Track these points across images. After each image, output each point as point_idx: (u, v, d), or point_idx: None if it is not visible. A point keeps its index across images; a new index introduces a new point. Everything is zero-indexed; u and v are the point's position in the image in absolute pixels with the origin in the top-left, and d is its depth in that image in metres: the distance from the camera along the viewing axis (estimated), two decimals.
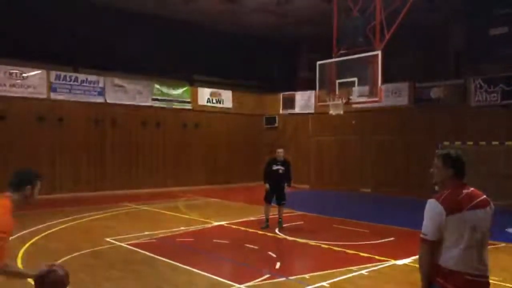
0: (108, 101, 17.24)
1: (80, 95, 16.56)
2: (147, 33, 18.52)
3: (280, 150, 10.87)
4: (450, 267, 2.89)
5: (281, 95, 21.88)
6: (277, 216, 10.64)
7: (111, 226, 10.50)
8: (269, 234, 9.82)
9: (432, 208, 2.95)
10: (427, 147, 15.03)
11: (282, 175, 10.53)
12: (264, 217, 10.64)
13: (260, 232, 9.96)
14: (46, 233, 9.58)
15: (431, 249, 2.94)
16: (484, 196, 3.03)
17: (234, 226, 10.70)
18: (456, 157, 3.09)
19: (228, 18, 19.45)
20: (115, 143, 17.46)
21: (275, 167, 10.56)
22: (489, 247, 3.10)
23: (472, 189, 3.03)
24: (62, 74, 16.23)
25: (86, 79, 16.77)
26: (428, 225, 2.96)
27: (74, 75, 16.55)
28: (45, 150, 15.79)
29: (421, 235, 2.99)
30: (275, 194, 10.64)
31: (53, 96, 15.98)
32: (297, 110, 21.23)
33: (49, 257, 7.44)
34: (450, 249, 2.91)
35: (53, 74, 16.01)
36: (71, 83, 16.39)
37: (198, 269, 6.89)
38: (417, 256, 3.16)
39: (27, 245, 8.40)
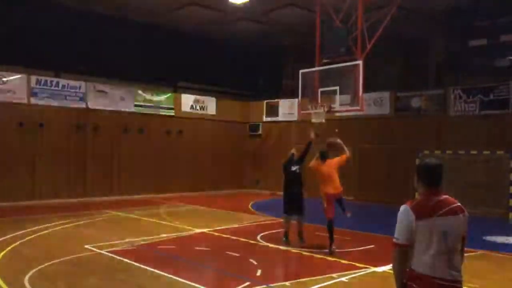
0: (89, 106, 17.08)
1: (61, 100, 16.38)
2: (130, 39, 18.46)
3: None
4: (421, 272, 2.97)
5: (264, 103, 21.97)
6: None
7: (91, 233, 10.38)
8: (251, 241, 9.82)
9: (403, 213, 3.05)
10: (408, 155, 15.24)
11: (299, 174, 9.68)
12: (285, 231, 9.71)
13: (242, 240, 9.95)
14: (24, 240, 9.42)
15: (403, 253, 3.03)
16: (458, 204, 3.10)
17: (216, 234, 10.67)
18: (427, 166, 3.17)
19: (214, 25, 19.51)
20: (97, 149, 17.28)
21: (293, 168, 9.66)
22: (466, 254, 3.17)
23: (445, 196, 3.11)
24: (43, 78, 16.04)
25: (68, 84, 16.59)
26: (399, 230, 3.05)
27: (55, 80, 16.37)
28: (25, 156, 15.55)
29: (394, 239, 3.08)
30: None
31: (33, 101, 15.77)
32: (280, 117, 21.34)
33: (27, 264, 7.32)
34: (421, 254, 2.98)
35: (33, 78, 15.81)
36: (52, 88, 16.20)
37: (179, 277, 6.85)
38: None
39: (4, 252, 8.25)
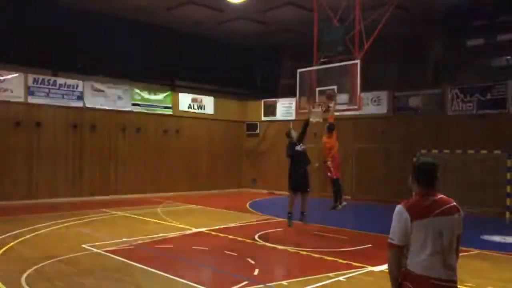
0: (87, 105, 17.05)
1: (58, 99, 16.34)
2: (128, 38, 18.42)
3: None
4: (417, 272, 2.97)
5: (262, 102, 21.97)
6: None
7: (88, 233, 10.36)
8: (248, 240, 9.82)
9: (399, 213, 3.04)
10: (405, 155, 15.27)
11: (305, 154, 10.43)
12: (289, 211, 10.49)
13: (240, 239, 9.95)
14: (21, 239, 9.40)
15: (398, 254, 3.03)
16: (453, 203, 3.11)
17: (214, 233, 10.67)
18: (421, 165, 3.17)
19: (211, 24, 19.50)
20: (94, 148, 17.26)
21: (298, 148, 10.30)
22: (462, 254, 3.17)
23: (441, 196, 3.11)
24: (40, 77, 15.99)
25: (65, 83, 16.55)
26: (394, 230, 3.05)
27: (52, 78, 16.33)
28: (22, 155, 15.52)
29: (389, 240, 3.07)
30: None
31: (30, 100, 15.73)
32: (278, 117, 21.34)
33: (24, 264, 7.31)
34: (417, 254, 2.99)
35: (31, 77, 15.76)
36: (50, 86, 16.15)
37: (176, 276, 6.85)
38: None
39: (0, 251, 8.23)
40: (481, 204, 13.40)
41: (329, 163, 10.82)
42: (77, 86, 16.85)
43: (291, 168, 10.41)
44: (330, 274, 7.12)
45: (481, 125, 14.97)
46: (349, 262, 7.95)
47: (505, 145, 13.99)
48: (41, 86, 15.98)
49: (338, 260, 8.13)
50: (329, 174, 11.06)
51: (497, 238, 10.67)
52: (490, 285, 6.70)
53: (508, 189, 13.77)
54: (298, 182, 10.36)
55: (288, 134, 10.81)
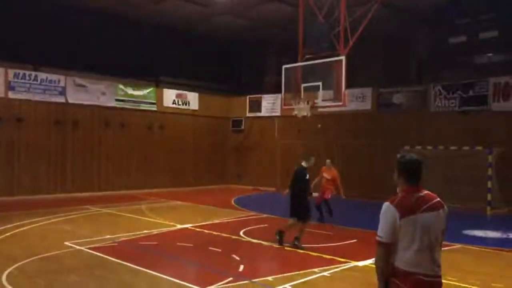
0: (69, 101, 16.80)
1: (40, 94, 16.07)
2: (112, 33, 18.22)
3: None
4: (404, 268, 2.98)
5: (247, 98, 21.93)
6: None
7: (71, 230, 10.22)
8: (233, 237, 9.81)
9: (386, 211, 3.04)
10: (389, 151, 15.37)
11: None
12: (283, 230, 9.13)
13: (224, 235, 9.93)
14: (2, 236, 9.24)
15: (386, 251, 3.02)
16: (438, 199, 3.13)
17: (198, 229, 10.63)
18: (406, 162, 3.18)
19: (197, 20, 19.37)
20: (77, 145, 17.03)
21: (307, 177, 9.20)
22: (445, 248, 3.20)
23: (426, 192, 3.13)
24: (21, 72, 15.71)
25: (46, 78, 16.28)
26: (383, 228, 3.04)
27: (33, 73, 16.05)
28: (3, 151, 15.25)
29: (377, 238, 3.07)
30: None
31: (11, 95, 15.44)
32: (263, 113, 21.34)
33: (5, 262, 7.17)
34: (404, 250, 2.99)
35: (11, 72, 15.47)
36: (31, 82, 15.88)
37: (160, 273, 6.80)
38: None
39: None
40: (463, 200, 13.57)
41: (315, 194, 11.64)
42: (59, 81, 16.58)
43: (302, 195, 9.08)
44: (315, 270, 7.15)
45: (463, 122, 15.17)
46: (334, 257, 7.99)
47: (487, 142, 14.20)
48: (22, 81, 15.69)
49: (323, 255, 8.17)
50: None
51: (478, 233, 10.85)
52: (472, 279, 6.80)
53: (489, 184, 13.99)
54: (309, 211, 9.25)
55: (307, 159, 9.33)
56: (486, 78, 14.97)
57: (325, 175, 12.16)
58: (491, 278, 6.93)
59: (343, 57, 11.90)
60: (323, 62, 12.46)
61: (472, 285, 6.54)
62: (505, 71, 15.01)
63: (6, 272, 6.63)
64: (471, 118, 15.05)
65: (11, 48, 15.80)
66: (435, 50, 18.28)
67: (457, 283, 6.53)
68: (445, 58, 17.73)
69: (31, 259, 7.47)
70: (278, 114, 20.39)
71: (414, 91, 16.70)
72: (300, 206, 9.01)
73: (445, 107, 15.73)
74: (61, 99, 16.61)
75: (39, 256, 7.67)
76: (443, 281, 3.09)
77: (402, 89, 16.99)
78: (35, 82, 15.98)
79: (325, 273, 7.03)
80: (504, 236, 10.88)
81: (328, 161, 12.50)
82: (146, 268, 7.03)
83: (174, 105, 20.21)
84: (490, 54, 17.48)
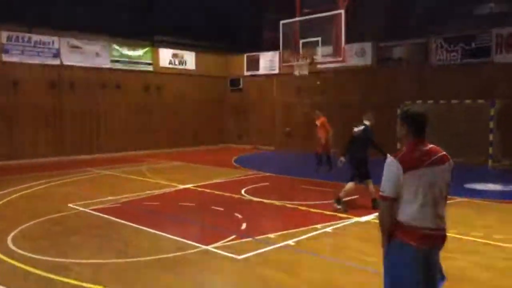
0: (64, 63, 16.51)
1: (34, 56, 15.77)
2: None
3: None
4: (408, 222, 2.96)
5: (245, 56, 21.56)
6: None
7: (74, 192, 10.25)
8: (235, 196, 9.85)
9: (390, 166, 2.98)
10: (390, 106, 15.25)
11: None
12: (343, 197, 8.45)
13: (226, 194, 9.97)
14: (4, 200, 9.27)
15: (390, 206, 2.99)
16: (443, 153, 3.06)
17: (199, 189, 10.66)
18: (412, 114, 3.10)
19: None
20: (74, 107, 16.87)
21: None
22: (447, 202, 3.16)
23: (431, 146, 3.06)
24: (15, 34, 15.36)
25: (40, 40, 15.93)
26: (386, 183, 3.00)
27: (27, 35, 15.69)
28: (0, 115, 15.10)
29: (380, 192, 3.03)
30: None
31: (5, 58, 15.16)
32: (261, 71, 21.03)
33: (9, 225, 7.21)
34: (408, 205, 2.96)
35: (4, 34, 15.12)
36: (24, 44, 15.54)
37: (163, 232, 6.85)
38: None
39: None
40: (465, 153, 13.55)
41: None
42: (53, 42, 16.23)
43: (367, 152, 8.52)
44: (317, 226, 7.20)
45: (465, 75, 14.94)
46: (335, 213, 8.04)
47: (489, 94, 14.03)
48: (16, 43, 15.37)
49: (324, 212, 8.22)
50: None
51: (480, 186, 10.90)
52: (474, 231, 6.85)
53: (491, 137, 13.93)
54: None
55: (370, 117, 8.97)
56: (489, 29, 14.62)
57: (317, 123, 13.38)
58: (493, 230, 6.98)
59: (342, 11, 11.59)
60: (322, 17, 12.15)
61: (475, 237, 6.60)
62: (508, 22, 14.64)
63: (12, 235, 6.67)
64: (473, 71, 14.81)
65: (2, 11, 15.33)
66: (436, 1, 17.77)
67: (460, 236, 6.58)
68: (446, 10, 17.26)
69: (35, 221, 7.51)
70: (276, 72, 20.09)
71: (414, 44, 16.37)
72: (365, 165, 8.47)
73: (447, 60, 15.45)
74: (56, 62, 16.31)
75: (43, 218, 7.71)
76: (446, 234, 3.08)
77: (402, 42, 16.64)
78: (28, 44, 15.65)
79: (328, 229, 7.08)
80: (506, 188, 10.92)
81: (317, 111, 13.77)
82: (150, 227, 7.08)
83: (170, 65, 19.89)
84: (491, 4, 17.02)
